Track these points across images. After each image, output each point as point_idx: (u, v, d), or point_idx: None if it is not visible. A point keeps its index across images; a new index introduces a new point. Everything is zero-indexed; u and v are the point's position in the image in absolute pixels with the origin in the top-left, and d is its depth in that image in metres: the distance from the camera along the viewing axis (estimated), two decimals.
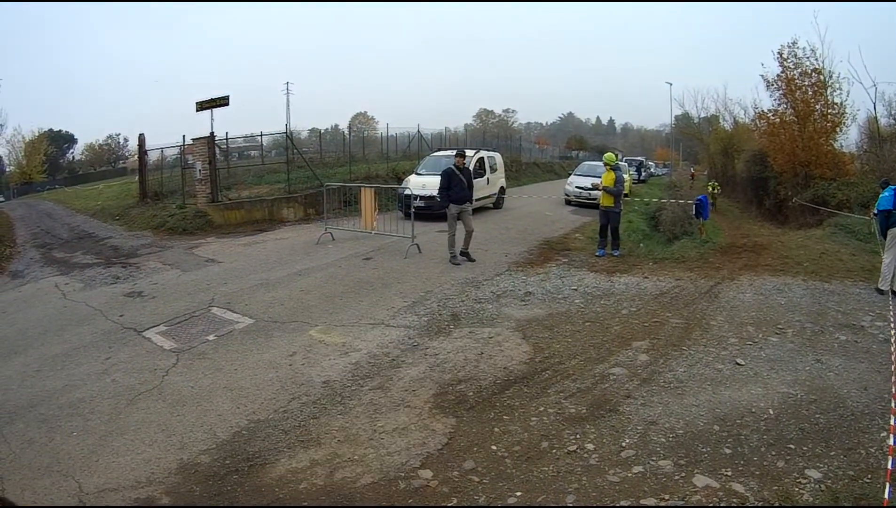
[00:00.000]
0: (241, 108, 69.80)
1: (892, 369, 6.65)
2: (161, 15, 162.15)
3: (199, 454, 5.56)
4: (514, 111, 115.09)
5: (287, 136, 26.55)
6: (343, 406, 6.50)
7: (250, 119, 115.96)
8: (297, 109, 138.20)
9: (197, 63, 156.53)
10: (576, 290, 10.96)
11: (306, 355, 7.94)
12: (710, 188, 31.20)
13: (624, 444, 5.67)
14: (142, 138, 24.33)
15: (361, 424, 6.12)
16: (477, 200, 20.01)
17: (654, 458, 5.41)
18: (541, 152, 63.46)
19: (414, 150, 35.17)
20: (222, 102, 20.70)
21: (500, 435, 5.90)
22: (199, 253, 15.00)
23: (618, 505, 4.76)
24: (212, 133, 20.50)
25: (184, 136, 22.45)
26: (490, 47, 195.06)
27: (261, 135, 30.54)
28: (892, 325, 7.67)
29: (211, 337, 8.68)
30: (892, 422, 5.17)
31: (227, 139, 24.49)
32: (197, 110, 20.81)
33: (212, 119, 20.81)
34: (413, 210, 14.59)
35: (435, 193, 14.47)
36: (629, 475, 5.16)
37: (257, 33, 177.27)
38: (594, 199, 19.01)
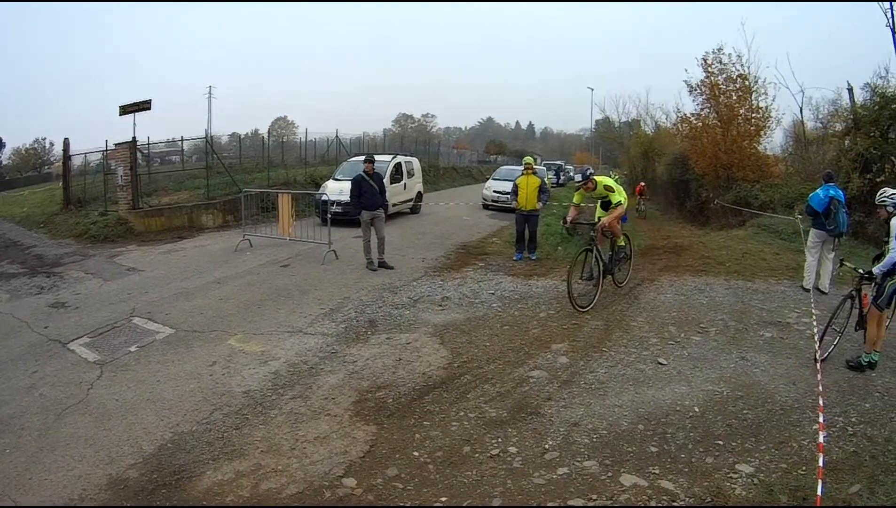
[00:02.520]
0: (164, 112, 68.45)
1: (818, 366, 6.88)
2: (87, 13, 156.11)
3: (127, 468, 5.54)
4: (433, 116, 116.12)
5: (207, 141, 26.46)
6: (264, 416, 6.49)
7: (174, 124, 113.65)
8: (221, 114, 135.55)
9: (121, 66, 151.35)
10: (493, 294, 11.05)
11: (226, 364, 7.92)
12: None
13: (547, 446, 5.73)
14: (66, 143, 23.60)
15: (283, 434, 6.12)
16: (394, 205, 20.26)
17: (578, 459, 5.48)
18: (459, 157, 64.23)
19: (333, 155, 35.32)
20: (144, 105, 20.57)
21: (421, 441, 5.92)
22: (121, 261, 14.70)
23: (545, 506, 4.79)
24: (133, 138, 20.22)
25: (106, 141, 22.04)
26: (410, 52, 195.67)
27: (182, 140, 30.19)
28: (814, 322, 7.96)
29: (133, 348, 8.64)
30: (820, 419, 5.34)
31: (148, 144, 24.11)
32: (120, 114, 20.60)
33: (134, 124, 20.65)
34: (330, 216, 14.78)
35: None
36: (554, 476, 5.21)
37: (180, 35, 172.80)
38: (507, 203, 19.32)
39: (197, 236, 18.84)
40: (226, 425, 6.30)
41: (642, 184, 33.59)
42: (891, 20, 17.72)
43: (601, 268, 10.47)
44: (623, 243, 11.47)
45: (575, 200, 11.20)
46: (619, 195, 10.67)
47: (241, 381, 7.37)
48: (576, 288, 10.04)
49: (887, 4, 17.85)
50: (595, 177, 10.86)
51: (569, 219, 10.88)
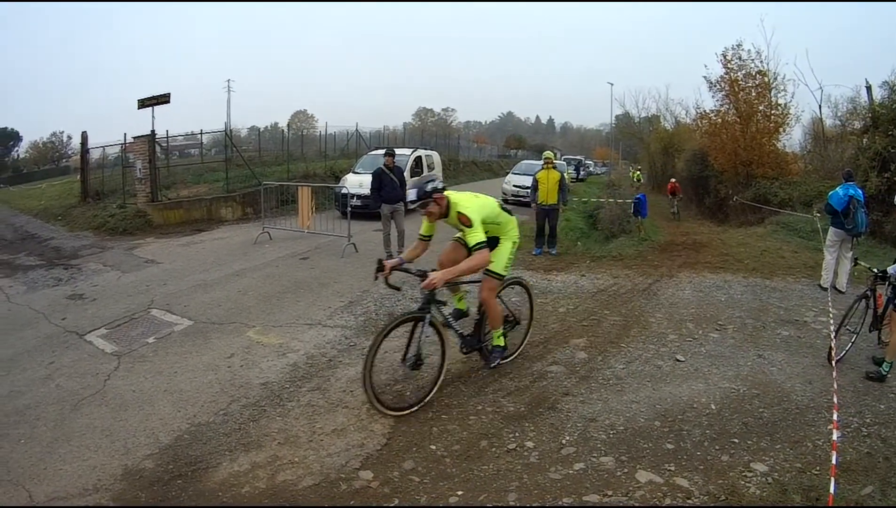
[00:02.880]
0: (183, 106, 68.99)
1: (834, 363, 6.92)
2: (105, 7, 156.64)
3: (142, 459, 5.60)
4: (453, 110, 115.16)
5: (226, 134, 26.80)
6: (282, 408, 6.56)
7: (193, 117, 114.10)
8: (239, 107, 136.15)
9: (141, 59, 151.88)
10: (512, 288, 11.03)
11: (244, 356, 8.02)
12: (635, 178, 32.55)
13: (564, 441, 5.80)
14: (84, 136, 23.88)
15: (300, 426, 6.18)
16: None
17: (595, 455, 5.55)
18: (479, 151, 63.95)
19: (352, 148, 35.46)
20: (163, 99, 20.82)
21: (438, 435, 5.98)
22: (139, 254, 14.90)
23: (560, 503, 4.87)
24: (152, 131, 20.52)
25: (125, 134, 22.57)
26: (432, 46, 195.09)
27: (201, 133, 30.57)
28: (831, 321, 8.00)
29: (151, 339, 8.75)
30: (834, 417, 5.38)
31: (167, 137, 24.52)
32: (139, 108, 20.85)
33: (153, 117, 20.87)
34: (350, 209, 14.92)
35: None
36: (570, 472, 5.28)
37: (201, 28, 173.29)
38: (527, 198, 19.32)
39: (216, 228, 19.06)
40: (243, 416, 6.38)
41: (674, 181, 31.13)
42: None
43: (444, 348, 6.87)
44: (502, 343, 7.21)
45: (422, 231, 7.10)
46: (478, 234, 6.47)
47: (259, 373, 7.46)
48: (386, 379, 7.21)
49: None
50: (451, 194, 6.88)
51: (387, 267, 6.46)
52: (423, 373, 6.89)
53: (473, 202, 6.79)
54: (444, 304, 6.79)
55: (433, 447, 5.76)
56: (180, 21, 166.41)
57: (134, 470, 5.41)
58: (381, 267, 6.42)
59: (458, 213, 6.58)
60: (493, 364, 7.14)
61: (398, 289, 7.27)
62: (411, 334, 6.64)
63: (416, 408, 6.42)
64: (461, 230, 6.80)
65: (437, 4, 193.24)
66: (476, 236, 6.44)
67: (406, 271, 6.63)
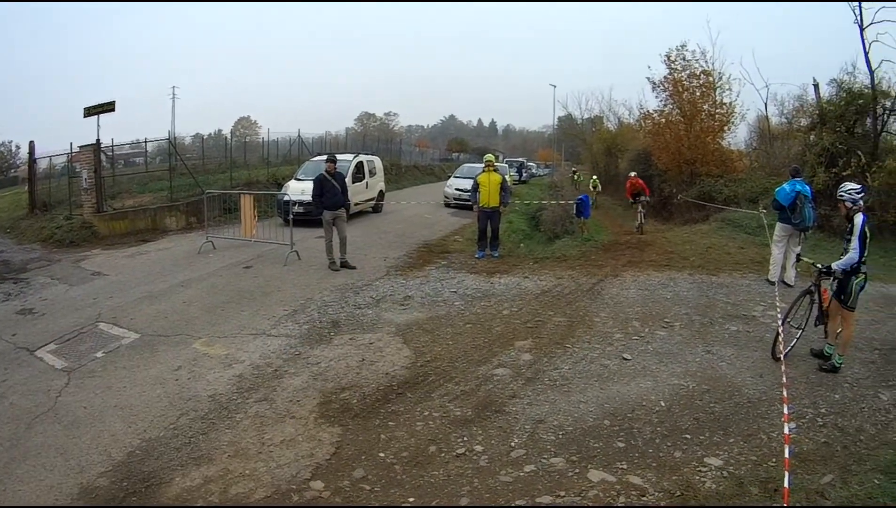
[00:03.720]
0: (128, 113, 67.57)
1: (783, 357, 7.01)
2: (47, 13, 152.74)
3: (97, 476, 5.59)
4: (395, 114, 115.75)
5: (170, 142, 26.44)
6: (230, 420, 6.54)
7: (138, 125, 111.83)
8: (185, 114, 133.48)
9: (85, 65, 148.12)
10: (455, 292, 11.12)
11: (191, 368, 7.99)
12: (592, 187, 32.34)
13: (513, 444, 5.80)
14: (32, 146, 23.30)
15: (250, 437, 6.16)
16: (356, 204, 20.30)
17: (545, 456, 5.56)
18: (421, 155, 64.22)
19: (295, 155, 35.19)
20: (108, 107, 20.41)
21: (387, 442, 5.97)
22: (86, 266, 14.61)
23: (513, 505, 4.85)
24: (98, 140, 20.08)
25: (71, 143, 21.88)
26: (372, 48, 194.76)
27: (145, 141, 30.05)
28: (779, 315, 8.10)
29: (99, 354, 8.69)
30: (785, 410, 5.44)
31: (112, 146, 23.91)
32: (84, 116, 20.41)
33: (98, 126, 20.41)
34: (292, 216, 14.84)
35: None
36: (521, 474, 5.29)
37: (147, 34, 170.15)
38: (468, 201, 19.40)
39: (161, 238, 18.75)
40: (193, 430, 6.34)
41: (634, 176, 23.55)
42: (859, 18, 18.17)
43: None
44: None
45: None
46: None
47: (206, 385, 7.40)
48: None
49: (856, 3, 18.30)
50: None
51: None
52: None
53: None
54: None
55: (382, 454, 5.74)
56: (127, 25, 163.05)
57: (90, 489, 5.41)
58: None
59: None
60: None
61: None
62: None
63: None
64: None
65: (381, 4, 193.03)
66: None
67: None
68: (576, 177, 38.25)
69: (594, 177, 35.71)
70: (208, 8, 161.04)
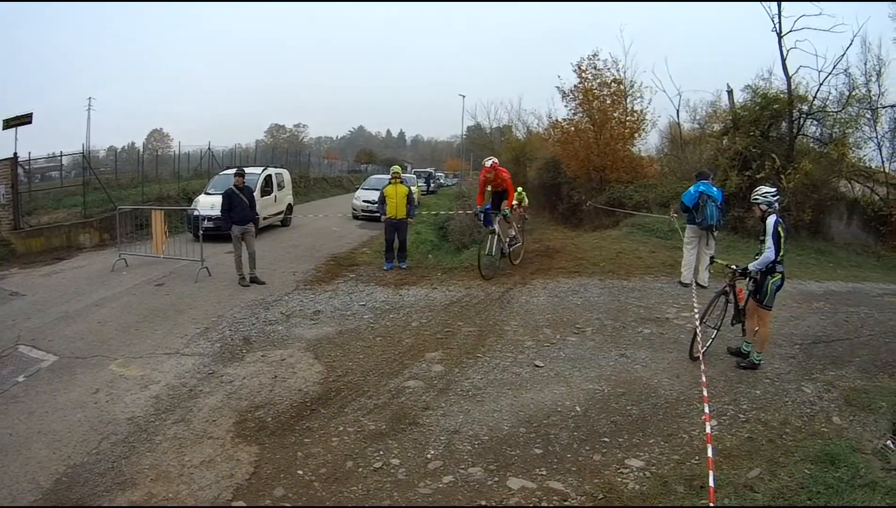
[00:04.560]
0: (46, 125, 65.06)
1: (701, 357, 7.20)
2: None
3: (28, 505, 5.47)
4: (305, 126, 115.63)
5: (83, 155, 25.62)
6: (150, 443, 6.39)
7: (56, 137, 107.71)
8: (102, 126, 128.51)
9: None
10: (364, 305, 11.12)
11: (109, 391, 7.80)
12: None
13: (430, 456, 5.80)
14: None
15: (170, 460, 6.04)
16: (265, 218, 20.44)
17: (462, 466, 5.57)
18: (330, 167, 64.23)
19: (206, 168, 34.68)
20: (25, 119, 19.80)
21: (304, 459, 5.92)
22: (4, 286, 14.06)
23: (474, 505, 4.89)
24: (15, 154, 19.45)
25: None
26: (283, 57, 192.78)
27: (61, 155, 28.87)
28: (696, 315, 8.30)
29: (21, 378, 8.44)
30: (706, 409, 5.58)
31: (29, 160, 22.97)
32: (3, 128, 19.69)
33: (16, 138, 19.71)
34: (202, 232, 14.78)
35: None
36: (440, 485, 5.29)
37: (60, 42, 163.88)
38: (376, 213, 19.41)
39: (75, 256, 18.21)
40: (114, 454, 6.19)
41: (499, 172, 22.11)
42: (778, 26, 19.01)
43: None
44: None
45: None
46: None
47: (124, 408, 7.24)
48: None
49: (774, 10, 19.15)
50: None
51: None
52: None
53: None
54: None
55: (300, 472, 5.69)
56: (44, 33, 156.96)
57: None
58: None
59: None
60: None
61: None
62: None
63: None
64: None
65: (285, 6, 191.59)
66: None
67: None
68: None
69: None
70: (119, 11, 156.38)
